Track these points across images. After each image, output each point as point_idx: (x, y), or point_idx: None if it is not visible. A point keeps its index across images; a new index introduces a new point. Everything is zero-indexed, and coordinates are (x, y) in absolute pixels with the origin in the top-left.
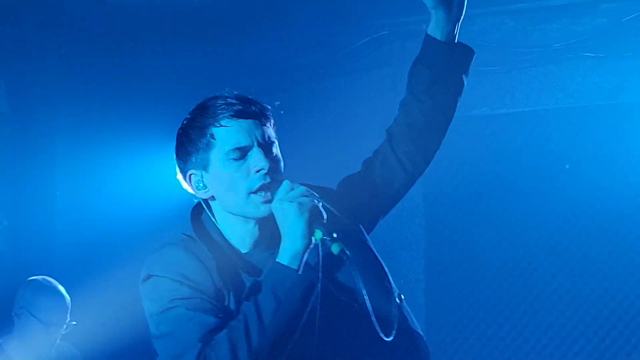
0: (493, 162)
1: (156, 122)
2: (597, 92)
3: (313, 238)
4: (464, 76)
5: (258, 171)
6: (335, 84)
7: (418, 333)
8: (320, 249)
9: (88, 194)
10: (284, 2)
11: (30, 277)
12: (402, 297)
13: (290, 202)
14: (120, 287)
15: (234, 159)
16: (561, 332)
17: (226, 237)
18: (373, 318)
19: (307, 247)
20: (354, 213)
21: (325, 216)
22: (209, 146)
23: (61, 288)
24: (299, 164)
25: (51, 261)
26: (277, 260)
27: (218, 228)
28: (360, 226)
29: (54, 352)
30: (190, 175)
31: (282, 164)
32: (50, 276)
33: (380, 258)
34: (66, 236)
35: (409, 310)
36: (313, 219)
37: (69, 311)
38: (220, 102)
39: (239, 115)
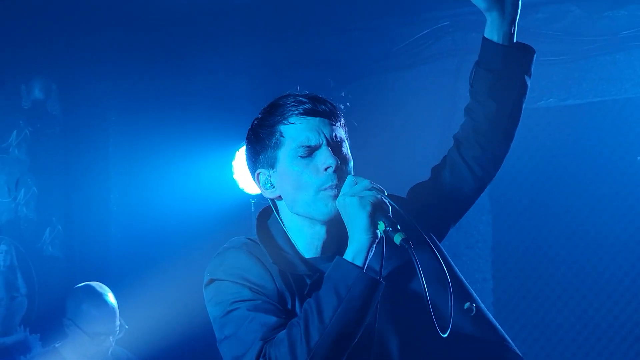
0: (561, 155)
1: (211, 122)
2: None
3: (378, 231)
4: (526, 77)
5: (326, 169)
6: (396, 78)
7: (503, 344)
8: (384, 246)
9: (142, 196)
10: None
11: (81, 283)
12: (474, 306)
13: (352, 196)
14: (177, 290)
15: (302, 157)
16: (635, 330)
17: (293, 242)
18: (431, 313)
19: (373, 242)
20: (425, 221)
21: (390, 209)
22: (277, 144)
23: (108, 295)
24: (358, 161)
25: (106, 265)
26: (342, 257)
27: (285, 232)
28: (432, 234)
29: (111, 356)
30: (259, 174)
31: (351, 163)
32: (105, 280)
33: (453, 265)
34: (121, 240)
35: (490, 319)
36: (376, 212)
37: (116, 318)
38: (290, 100)
39: (308, 113)
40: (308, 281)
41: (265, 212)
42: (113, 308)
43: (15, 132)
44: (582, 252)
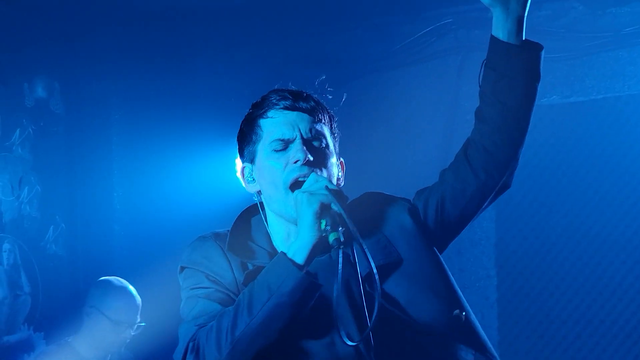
0: (564, 152)
1: (214, 121)
2: None
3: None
4: (531, 77)
5: (295, 162)
6: (398, 75)
7: (485, 349)
8: (341, 254)
9: (145, 195)
10: None
11: (91, 279)
12: (464, 314)
13: (303, 192)
14: (179, 289)
15: (276, 150)
16: (639, 327)
17: (271, 236)
18: (339, 325)
19: (316, 240)
20: (426, 227)
21: (341, 211)
22: (257, 138)
23: (132, 288)
24: (361, 159)
25: (109, 264)
26: (284, 250)
27: (266, 226)
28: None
29: (116, 356)
30: (243, 168)
31: (330, 159)
32: None
33: (446, 270)
34: (124, 238)
35: (476, 325)
36: (324, 211)
37: (139, 311)
38: (273, 95)
39: (287, 107)
40: None
41: (251, 210)
42: (138, 301)
43: (18, 130)
44: (586, 249)
